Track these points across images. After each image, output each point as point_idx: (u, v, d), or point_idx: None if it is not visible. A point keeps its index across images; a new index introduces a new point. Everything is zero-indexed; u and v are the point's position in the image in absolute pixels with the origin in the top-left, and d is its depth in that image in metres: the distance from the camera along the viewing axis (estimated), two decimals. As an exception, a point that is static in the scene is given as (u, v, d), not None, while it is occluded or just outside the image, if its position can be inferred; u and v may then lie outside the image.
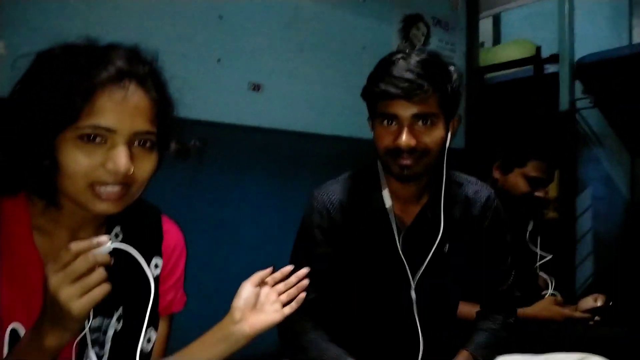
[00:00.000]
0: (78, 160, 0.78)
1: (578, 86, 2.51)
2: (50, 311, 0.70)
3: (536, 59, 2.55)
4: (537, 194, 1.86)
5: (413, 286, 1.28)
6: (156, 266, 0.96)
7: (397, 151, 1.19)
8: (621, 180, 2.80)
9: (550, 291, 1.83)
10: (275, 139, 1.97)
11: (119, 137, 0.79)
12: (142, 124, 0.82)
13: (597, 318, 1.71)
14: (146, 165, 0.84)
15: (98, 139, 0.79)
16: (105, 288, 0.71)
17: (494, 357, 1.31)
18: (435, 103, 1.18)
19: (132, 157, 0.81)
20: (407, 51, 1.22)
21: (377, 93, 1.20)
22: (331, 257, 1.29)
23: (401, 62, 1.18)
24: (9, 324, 0.80)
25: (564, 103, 2.43)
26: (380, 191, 1.30)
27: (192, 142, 0.97)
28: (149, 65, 0.86)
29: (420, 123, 1.18)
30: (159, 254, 0.98)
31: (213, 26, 1.80)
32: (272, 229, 1.91)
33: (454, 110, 1.26)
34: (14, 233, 0.83)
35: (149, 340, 0.94)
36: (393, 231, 1.28)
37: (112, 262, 0.73)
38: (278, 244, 1.84)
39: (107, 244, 0.72)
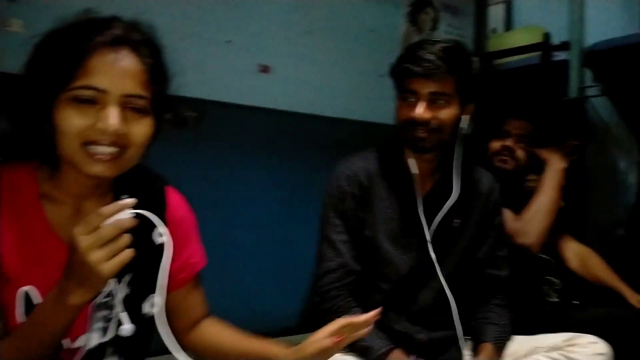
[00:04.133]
0: (71, 120, 0.81)
1: (588, 74, 2.49)
2: (78, 272, 0.74)
3: (544, 46, 2.54)
4: (506, 143, 1.87)
5: (430, 246, 1.37)
6: (160, 235, 0.97)
7: (412, 123, 1.33)
8: (628, 169, 2.79)
9: (552, 275, 1.84)
10: (283, 120, 2.01)
11: (110, 97, 0.82)
12: (133, 87, 0.84)
13: None
14: (139, 128, 0.86)
15: (90, 101, 0.82)
16: (130, 252, 0.75)
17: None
18: (452, 85, 1.32)
19: (125, 120, 0.84)
20: (435, 39, 1.39)
21: (400, 70, 1.35)
22: (363, 223, 1.38)
23: (427, 46, 1.34)
24: (19, 287, 0.84)
25: (572, 91, 2.42)
26: (406, 159, 1.40)
27: (188, 112, 1.00)
28: (144, 33, 0.89)
29: (436, 101, 1.32)
30: (163, 223, 1.00)
31: (223, 7, 1.84)
32: (277, 209, 1.95)
33: (470, 96, 1.38)
34: (23, 200, 0.87)
35: (152, 305, 0.97)
36: (415, 196, 1.38)
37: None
38: (282, 224, 1.89)
39: (130, 207, 0.77)
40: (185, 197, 1.10)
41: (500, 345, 1.35)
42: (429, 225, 1.38)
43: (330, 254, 1.37)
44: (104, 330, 0.91)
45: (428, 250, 1.37)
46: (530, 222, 1.73)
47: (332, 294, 1.34)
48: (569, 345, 1.28)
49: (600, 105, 2.65)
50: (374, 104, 1.37)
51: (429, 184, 1.43)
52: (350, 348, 1.27)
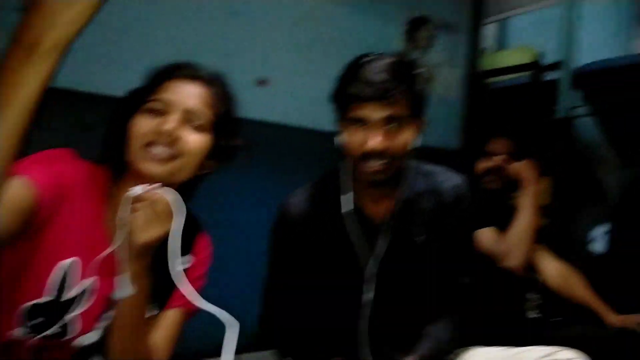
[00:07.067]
0: (140, 125, 0.96)
1: (577, 94, 2.55)
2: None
3: (536, 66, 2.61)
4: (493, 163, 1.92)
5: (371, 295, 1.31)
6: (184, 262, 1.05)
7: (367, 155, 1.19)
8: (611, 188, 2.85)
9: (533, 292, 1.90)
10: (281, 133, 2.04)
11: (174, 108, 0.97)
12: (196, 104, 0.99)
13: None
14: (195, 140, 0.99)
15: (159, 112, 0.97)
16: None
17: None
18: (406, 105, 1.19)
19: (183, 130, 0.97)
20: (375, 54, 1.23)
21: (347, 96, 1.19)
22: (299, 267, 1.34)
23: (371, 64, 1.19)
24: (57, 260, 0.92)
25: (561, 110, 2.48)
26: (346, 196, 1.31)
27: (239, 140, 1.14)
28: (216, 75, 1.07)
29: (390, 126, 1.18)
30: (192, 253, 1.10)
31: (224, 20, 1.87)
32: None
33: (421, 112, 1.27)
34: (90, 195, 0.98)
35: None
36: (352, 236, 1.30)
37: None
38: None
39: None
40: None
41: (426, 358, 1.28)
42: (386, 257, 1.30)
43: (270, 297, 1.38)
44: (105, 330, 0.98)
45: (367, 294, 1.30)
46: (513, 246, 1.78)
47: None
48: (548, 361, 1.31)
49: (588, 125, 2.72)
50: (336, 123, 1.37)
51: (384, 207, 1.32)
52: None
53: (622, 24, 2.94)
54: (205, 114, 1.00)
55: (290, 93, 2.05)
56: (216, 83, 1.06)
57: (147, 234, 0.88)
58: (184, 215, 0.93)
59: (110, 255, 0.96)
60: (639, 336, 1.55)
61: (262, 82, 1.97)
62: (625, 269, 2.07)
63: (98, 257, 0.95)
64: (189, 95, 0.99)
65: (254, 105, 1.94)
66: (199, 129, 0.99)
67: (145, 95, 0.98)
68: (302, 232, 1.33)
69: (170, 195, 0.92)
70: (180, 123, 0.96)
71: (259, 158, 2.01)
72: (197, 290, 1.14)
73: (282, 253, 1.37)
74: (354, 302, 1.33)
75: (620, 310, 1.78)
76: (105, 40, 1.61)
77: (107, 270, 0.96)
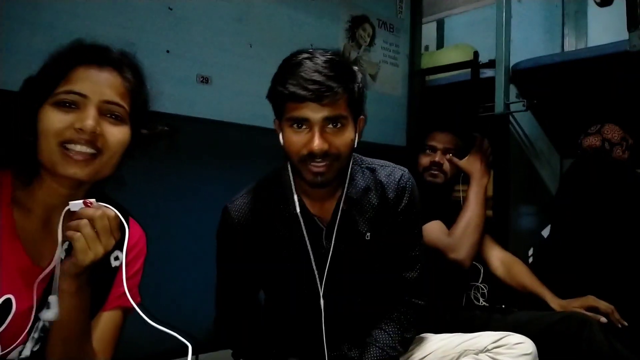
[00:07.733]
0: (52, 121, 0.88)
1: (513, 90, 2.64)
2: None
3: (473, 63, 2.68)
4: (435, 158, 1.97)
5: (322, 293, 1.31)
6: (116, 258, 1.01)
7: (310, 156, 1.17)
8: (550, 180, 2.97)
9: (480, 280, 1.94)
10: (224, 131, 2.00)
11: (89, 102, 0.90)
12: (112, 95, 0.92)
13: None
14: (115, 134, 0.93)
15: (72, 105, 0.89)
16: None
17: None
18: (345, 104, 1.18)
19: (102, 124, 0.91)
20: (310, 51, 1.21)
21: (285, 95, 1.15)
22: (248, 269, 1.33)
23: (308, 62, 1.15)
24: None
25: (499, 106, 2.55)
26: (291, 197, 1.29)
27: (161, 127, 1.08)
28: (126, 56, 1.00)
29: (331, 126, 1.17)
30: (121, 248, 1.01)
31: (163, 17, 1.82)
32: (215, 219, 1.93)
33: (360, 110, 1.26)
34: None
35: None
36: (305, 237, 1.29)
37: None
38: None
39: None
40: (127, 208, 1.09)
41: None
42: (337, 256, 1.29)
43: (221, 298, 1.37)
44: (40, 340, 0.93)
45: (318, 300, 1.30)
46: (460, 239, 1.80)
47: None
48: (497, 347, 1.35)
49: (524, 120, 2.82)
50: (273, 121, 1.36)
51: (331, 206, 1.32)
52: None
53: (551, 24, 3.08)
54: (122, 105, 0.94)
55: (233, 90, 2.00)
56: (127, 66, 0.99)
57: (90, 255, 0.84)
58: (125, 232, 0.90)
59: (26, 267, 0.91)
60: (582, 319, 1.59)
61: (204, 80, 1.93)
62: (567, 254, 2.14)
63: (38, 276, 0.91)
64: (102, 84, 0.92)
65: (196, 103, 1.90)
66: (117, 121, 0.94)
67: (50, 85, 0.90)
68: (248, 235, 1.30)
69: (110, 212, 0.87)
70: (98, 118, 0.90)
71: (202, 156, 1.99)
72: (134, 286, 1.10)
73: (229, 256, 1.34)
74: (308, 302, 1.33)
75: (565, 294, 1.83)
76: (31, 35, 1.52)
77: (25, 283, 0.91)
